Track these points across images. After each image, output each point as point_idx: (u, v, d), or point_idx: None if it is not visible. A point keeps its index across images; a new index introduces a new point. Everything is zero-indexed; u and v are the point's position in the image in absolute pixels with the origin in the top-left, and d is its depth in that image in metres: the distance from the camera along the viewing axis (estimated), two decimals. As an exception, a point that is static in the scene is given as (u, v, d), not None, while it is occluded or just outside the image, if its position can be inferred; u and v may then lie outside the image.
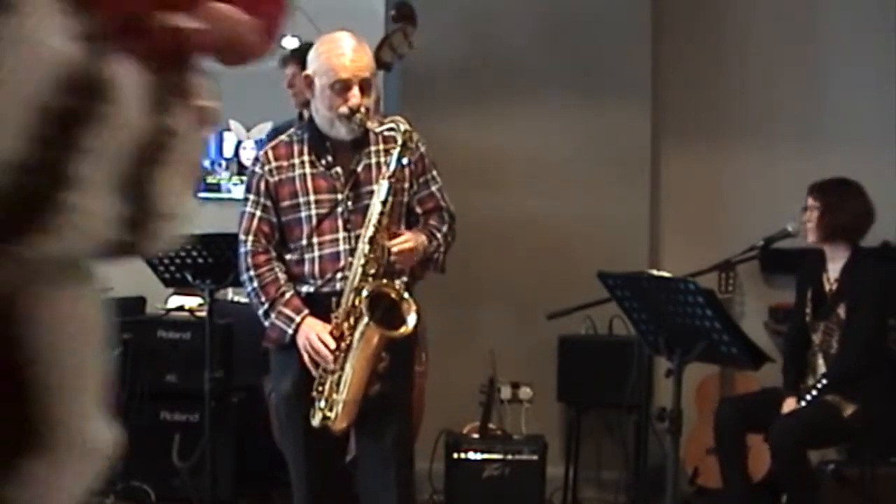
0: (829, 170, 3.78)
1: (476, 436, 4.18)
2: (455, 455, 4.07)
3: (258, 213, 2.93)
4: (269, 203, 2.92)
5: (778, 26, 4.77)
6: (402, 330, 2.75)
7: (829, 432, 3.53)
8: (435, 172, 3.03)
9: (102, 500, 4.16)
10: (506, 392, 4.44)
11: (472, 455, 4.07)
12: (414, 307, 2.77)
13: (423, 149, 3.00)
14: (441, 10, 4.61)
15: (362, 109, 2.82)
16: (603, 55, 4.56)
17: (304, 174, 2.91)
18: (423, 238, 2.90)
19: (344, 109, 2.83)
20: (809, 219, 3.65)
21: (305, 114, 4.17)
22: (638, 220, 4.56)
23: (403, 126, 2.79)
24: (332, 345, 2.76)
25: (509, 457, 4.05)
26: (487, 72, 4.61)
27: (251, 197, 2.94)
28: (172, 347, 4.24)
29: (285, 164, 2.93)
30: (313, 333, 2.79)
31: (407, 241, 2.84)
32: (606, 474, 4.46)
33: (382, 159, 2.91)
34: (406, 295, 2.79)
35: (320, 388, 2.79)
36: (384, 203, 2.78)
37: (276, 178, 2.92)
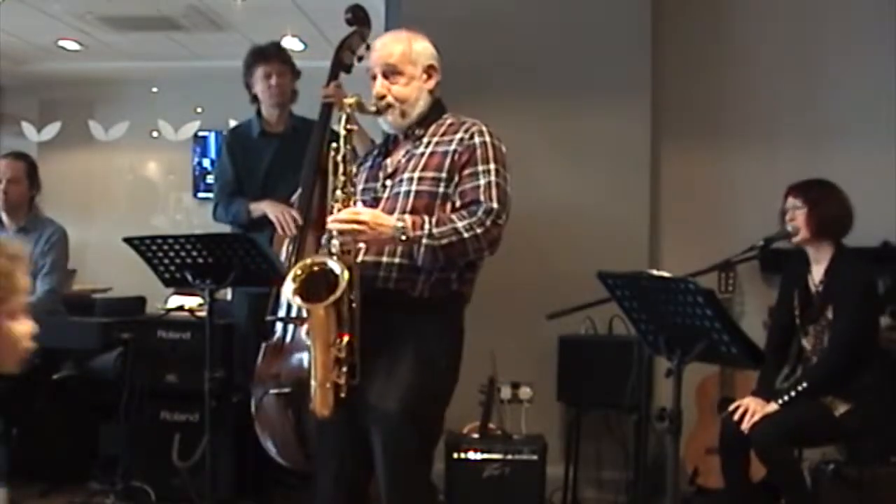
0: (829, 170, 3.78)
1: (476, 436, 4.18)
2: (455, 455, 4.07)
3: None
4: None
5: (778, 26, 4.78)
6: (330, 298, 2.54)
7: (818, 432, 3.50)
8: (491, 166, 2.81)
9: (102, 500, 4.16)
10: (506, 392, 4.44)
11: (472, 455, 4.07)
12: (346, 274, 2.56)
13: (476, 140, 2.82)
14: (442, 11, 4.61)
15: (386, 99, 2.81)
16: (603, 55, 4.56)
17: (364, 168, 2.96)
18: (390, 219, 2.67)
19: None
20: (794, 217, 3.61)
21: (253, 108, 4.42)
22: (638, 220, 4.56)
23: (353, 99, 2.74)
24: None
25: (509, 457, 4.05)
26: (487, 72, 4.60)
27: None
28: (172, 347, 4.25)
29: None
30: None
31: (355, 214, 2.65)
32: (606, 474, 4.46)
33: (430, 150, 2.83)
34: (332, 264, 2.59)
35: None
36: (335, 172, 2.70)
37: None
